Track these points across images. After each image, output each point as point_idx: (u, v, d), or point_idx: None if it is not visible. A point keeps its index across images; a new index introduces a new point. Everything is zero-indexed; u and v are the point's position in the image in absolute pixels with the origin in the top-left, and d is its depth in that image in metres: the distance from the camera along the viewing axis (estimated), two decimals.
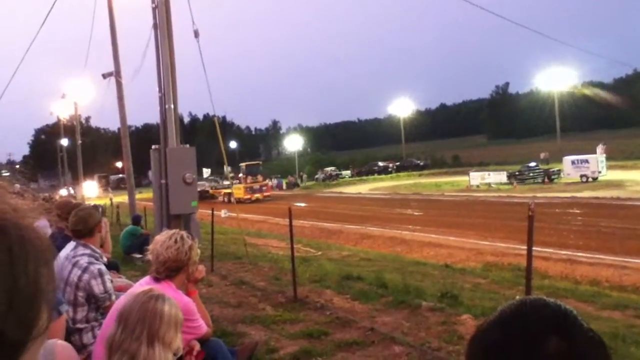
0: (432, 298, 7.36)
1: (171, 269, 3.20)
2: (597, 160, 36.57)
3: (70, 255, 3.90)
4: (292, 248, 8.20)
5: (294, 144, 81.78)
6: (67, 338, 3.37)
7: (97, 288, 3.80)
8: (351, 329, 6.07)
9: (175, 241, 3.21)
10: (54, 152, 66.34)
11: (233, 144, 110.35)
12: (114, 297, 3.85)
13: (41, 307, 0.58)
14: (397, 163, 70.16)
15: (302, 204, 36.39)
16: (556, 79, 60.48)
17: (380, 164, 70.55)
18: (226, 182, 45.46)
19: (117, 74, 16.38)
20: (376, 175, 65.17)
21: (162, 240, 3.24)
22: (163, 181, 8.36)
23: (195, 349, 3.22)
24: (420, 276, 10.60)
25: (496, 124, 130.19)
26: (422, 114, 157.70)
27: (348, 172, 68.89)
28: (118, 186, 67.19)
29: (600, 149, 39.33)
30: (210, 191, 47.38)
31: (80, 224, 4.02)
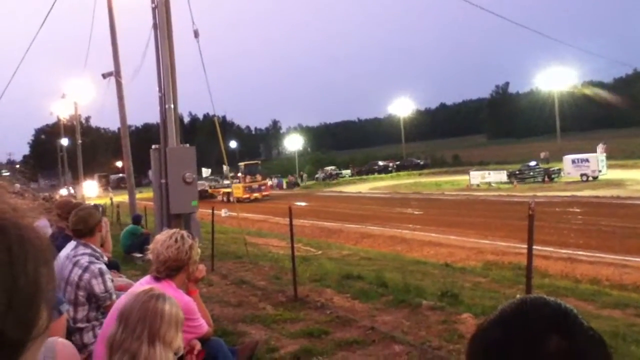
0: (433, 297, 7.36)
1: (172, 269, 3.20)
2: (597, 160, 36.56)
3: (70, 255, 3.90)
4: (292, 247, 8.19)
5: (294, 143, 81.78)
6: (68, 337, 3.37)
7: (98, 287, 3.80)
8: (351, 328, 6.07)
9: (176, 240, 3.21)
10: (54, 152, 66.31)
11: (233, 144, 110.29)
12: (114, 296, 3.85)
13: (41, 307, 0.58)
14: (397, 162, 70.15)
15: (303, 204, 36.39)
16: (556, 79, 60.47)
17: (381, 163, 70.55)
18: (226, 182, 45.53)
19: (117, 73, 16.37)
20: (376, 175, 65.16)
21: (162, 240, 3.24)
22: (163, 181, 8.36)
23: (196, 348, 3.22)
24: (421, 275, 10.60)
25: (496, 123, 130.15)
26: (422, 113, 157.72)
27: (348, 171, 68.90)
28: (118, 186, 67.22)
29: (600, 148, 39.31)
30: (210, 190, 47.47)
31: (80, 224, 4.02)
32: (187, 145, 8.85)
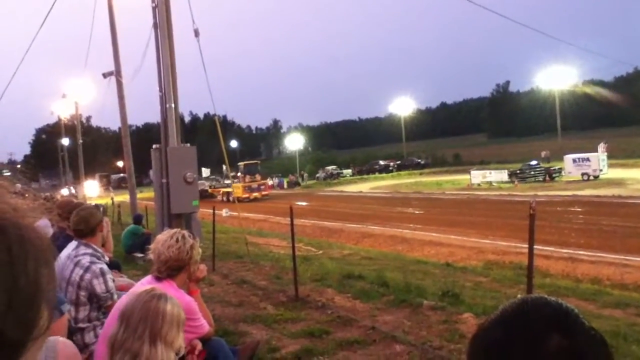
0: (434, 297, 7.36)
1: (173, 268, 3.20)
2: (598, 159, 36.56)
3: (72, 255, 3.90)
4: (293, 247, 8.19)
5: (294, 143, 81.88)
6: (69, 337, 3.37)
7: (99, 287, 3.80)
8: (352, 328, 6.07)
9: (177, 240, 3.21)
10: (55, 152, 66.39)
11: (234, 143, 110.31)
12: (115, 296, 3.85)
13: (41, 307, 0.58)
14: (398, 162, 70.14)
15: (304, 203, 36.39)
16: (557, 78, 60.44)
17: (381, 162, 70.54)
18: (227, 182, 45.60)
19: (117, 73, 16.39)
20: (377, 174, 65.17)
21: (163, 240, 3.24)
22: (164, 180, 8.36)
23: (197, 348, 3.22)
24: (422, 275, 10.60)
25: (497, 122, 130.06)
26: (423, 112, 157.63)
27: (349, 171, 68.93)
28: (119, 185, 67.32)
29: (601, 147, 39.30)
30: (209, 190, 47.56)
31: (81, 224, 4.02)
32: (188, 144, 8.85)
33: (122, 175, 64.63)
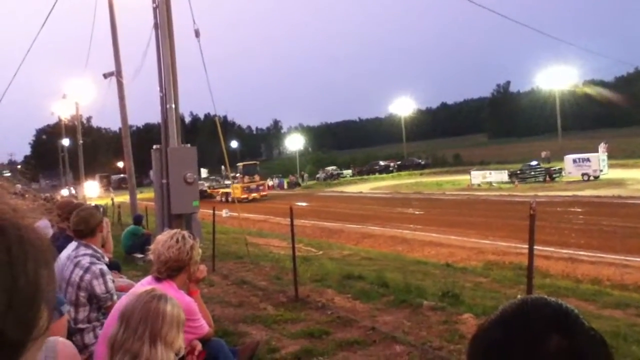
0: (433, 297, 7.36)
1: (173, 269, 3.20)
2: (598, 159, 36.56)
3: (71, 256, 3.90)
4: (293, 247, 8.19)
5: (295, 143, 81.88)
6: (69, 338, 3.37)
7: (99, 288, 3.80)
8: (352, 329, 6.07)
9: (177, 241, 3.21)
10: (55, 152, 66.44)
11: (234, 144, 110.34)
12: (115, 297, 3.85)
13: (41, 307, 0.58)
14: (398, 162, 70.15)
15: (304, 204, 36.39)
16: (557, 78, 60.46)
17: (382, 163, 70.55)
18: (227, 182, 45.66)
19: (118, 73, 16.40)
20: (377, 175, 65.16)
21: (163, 240, 3.24)
22: (164, 181, 8.36)
23: (197, 349, 3.22)
24: (422, 275, 10.60)
25: (497, 122, 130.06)
26: (423, 113, 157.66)
27: (349, 171, 68.91)
28: (119, 186, 67.32)
29: (602, 147, 39.27)
30: (208, 191, 47.65)
31: (81, 224, 4.02)
32: (188, 145, 8.85)
33: (122, 175, 64.66)
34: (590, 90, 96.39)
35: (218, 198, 44.21)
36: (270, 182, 59.44)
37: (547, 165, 42.99)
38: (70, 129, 46.37)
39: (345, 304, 7.29)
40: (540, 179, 38.90)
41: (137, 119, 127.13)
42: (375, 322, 6.25)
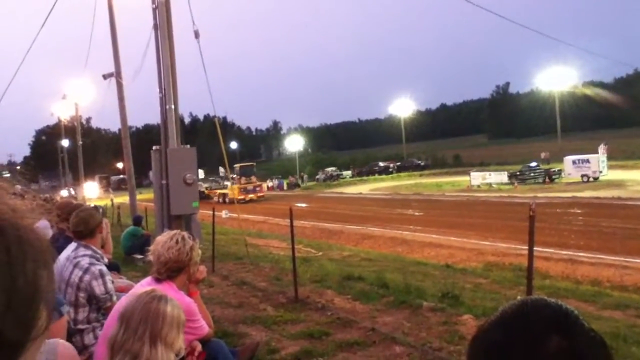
0: (433, 298, 7.36)
1: (172, 270, 3.20)
2: (598, 160, 36.58)
3: (71, 256, 3.90)
4: (293, 248, 8.19)
5: (294, 144, 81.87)
6: (69, 339, 3.37)
7: (98, 289, 3.80)
8: (352, 329, 6.07)
9: (177, 242, 3.21)
10: (54, 153, 66.41)
11: (234, 145, 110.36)
12: (115, 297, 3.85)
13: (40, 308, 0.58)
14: (398, 163, 70.17)
15: (303, 205, 36.40)
16: (557, 79, 60.45)
17: (381, 164, 70.56)
18: (227, 183, 45.79)
19: (117, 74, 16.39)
20: (377, 176, 65.17)
21: (163, 241, 3.24)
22: (164, 182, 8.36)
23: (197, 350, 3.22)
24: (421, 276, 10.59)
25: (497, 123, 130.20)
26: (423, 114, 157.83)
27: (349, 172, 68.91)
28: (119, 187, 67.25)
29: (602, 148, 39.30)
30: (206, 192, 47.81)
31: (81, 225, 4.02)
32: (188, 146, 8.85)
33: (121, 176, 64.62)
34: (590, 91, 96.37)
35: (215, 199, 44.44)
36: (269, 183, 59.53)
37: (546, 167, 43.00)
38: (69, 130, 46.37)
39: (345, 304, 7.28)
40: (540, 180, 38.91)
41: (137, 120, 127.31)
42: (375, 323, 6.25)
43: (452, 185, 42.76)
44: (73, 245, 4.02)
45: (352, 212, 29.49)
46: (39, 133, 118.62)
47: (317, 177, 66.11)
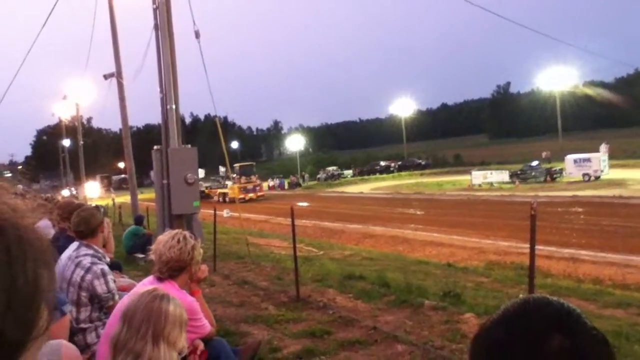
0: (435, 297, 7.35)
1: (174, 269, 3.20)
2: (599, 159, 36.54)
3: (73, 256, 3.90)
4: (294, 247, 8.19)
5: (295, 144, 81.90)
6: (71, 338, 3.38)
7: (100, 288, 3.81)
8: (354, 328, 6.07)
9: (178, 241, 3.21)
10: (55, 153, 66.44)
11: (235, 144, 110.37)
12: (117, 297, 3.85)
13: (41, 307, 0.58)
14: (399, 162, 70.20)
15: (304, 204, 36.40)
16: (557, 79, 60.39)
17: (382, 163, 70.58)
18: (228, 183, 45.90)
19: (118, 74, 16.40)
20: (378, 175, 65.19)
21: (164, 240, 3.24)
22: (165, 181, 8.36)
23: (199, 349, 3.22)
24: (423, 275, 10.59)
25: (497, 123, 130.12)
26: (424, 113, 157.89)
27: (350, 171, 68.94)
28: (120, 186, 67.40)
29: (603, 147, 39.26)
30: (206, 191, 47.96)
31: (82, 225, 4.02)
32: (189, 146, 8.85)
33: (123, 176, 64.75)
34: (591, 91, 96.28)
35: (215, 198, 44.59)
36: (271, 183, 59.58)
37: (547, 166, 42.96)
38: (70, 130, 46.40)
39: (347, 303, 7.28)
40: (541, 179, 38.89)
41: (138, 120, 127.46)
42: (376, 322, 6.25)
43: (453, 185, 42.74)
44: (75, 244, 4.02)
45: (353, 212, 29.49)
46: (40, 133, 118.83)
47: (318, 176, 66.13)
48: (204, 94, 10.84)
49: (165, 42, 8.44)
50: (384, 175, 63.88)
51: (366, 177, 64.94)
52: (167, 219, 8.37)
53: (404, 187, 46.05)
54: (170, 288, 2.89)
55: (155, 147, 8.62)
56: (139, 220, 13.16)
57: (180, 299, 2.39)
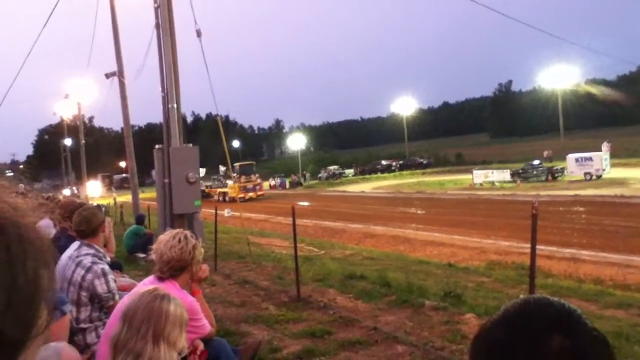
0: (436, 297, 7.34)
1: (175, 269, 3.20)
2: (601, 158, 36.48)
3: (73, 255, 3.91)
4: (295, 247, 8.19)
5: (297, 142, 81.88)
6: (71, 338, 3.38)
7: (101, 288, 3.81)
8: (354, 328, 6.07)
9: (179, 240, 3.21)
10: (57, 152, 66.58)
11: (236, 143, 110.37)
12: (117, 296, 3.85)
13: (40, 306, 0.58)
14: (400, 161, 70.13)
15: (306, 203, 36.40)
16: (559, 77, 60.39)
17: (384, 162, 70.57)
18: (230, 182, 45.94)
19: (120, 73, 16.42)
20: (379, 174, 65.17)
21: (165, 240, 3.24)
22: (166, 180, 8.36)
23: (199, 348, 3.22)
24: (424, 275, 10.58)
25: (499, 122, 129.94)
26: (425, 112, 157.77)
27: (351, 170, 68.95)
28: (121, 186, 67.43)
29: (605, 146, 39.20)
30: (206, 190, 47.99)
31: (83, 224, 4.02)
32: (190, 145, 8.86)
33: (124, 175, 64.83)
34: (593, 89, 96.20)
35: (216, 197, 44.64)
36: (272, 182, 59.59)
37: (549, 165, 42.90)
38: (72, 129, 46.45)
39: (347, 303, 7.28)
40: (543, 178, 38.84)
41: (139, 119, 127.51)
42: (377, 322, 6.24)
43: (455, 184, 42.70)
44: (76, 244, 4.02)
45: (354, 211, 29.47)
46: (42, 132, 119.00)
47: (320, 175, 66.14)
48: (206, 93, 10.84)
49: (166, 41, 8.45)
50: (386, 175, 63.86)
51: (367, 176, 64.92)
52: (168, 218, 8.38)
53: (405, 186, 46.02)
54: (171, 288, 2.89)
55: (156, 146, 8.63)
56: (140, 220, 13.16)
57: (180, 299, 2.39)
